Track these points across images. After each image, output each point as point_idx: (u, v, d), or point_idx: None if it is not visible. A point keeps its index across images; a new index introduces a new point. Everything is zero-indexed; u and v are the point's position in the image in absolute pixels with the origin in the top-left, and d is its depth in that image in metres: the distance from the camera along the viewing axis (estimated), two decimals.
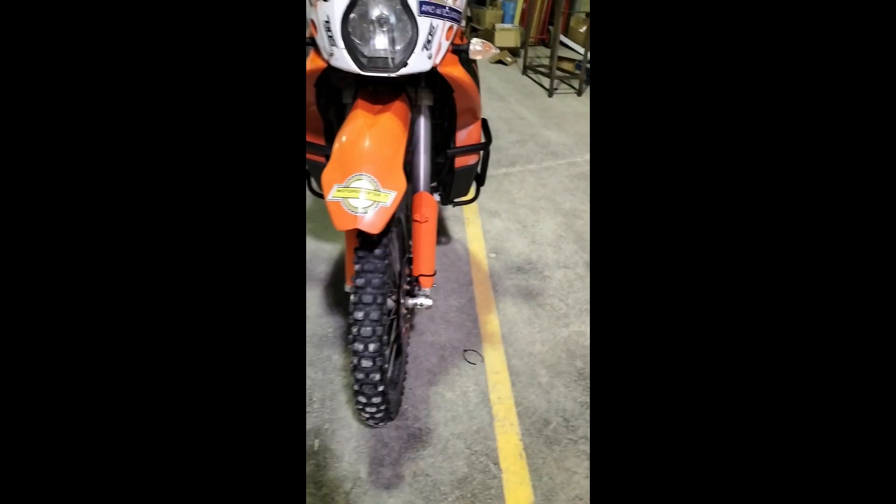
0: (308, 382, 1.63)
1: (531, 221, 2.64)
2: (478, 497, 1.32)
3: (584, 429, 1.52)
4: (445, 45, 1.10)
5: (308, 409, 1.55)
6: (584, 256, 2.38)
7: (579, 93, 4.84)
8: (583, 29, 5.79)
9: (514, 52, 5.96)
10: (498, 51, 1.25)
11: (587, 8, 5.67)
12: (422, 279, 1.40)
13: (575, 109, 4.44)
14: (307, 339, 1.80)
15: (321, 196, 1.77)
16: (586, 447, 1.47)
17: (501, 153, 3.41)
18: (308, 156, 1.48)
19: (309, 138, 1.43)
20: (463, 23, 1.23)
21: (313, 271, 2.16)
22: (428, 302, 1.40)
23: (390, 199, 1.00)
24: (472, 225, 2.56)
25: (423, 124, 1.31)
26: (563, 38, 5.72)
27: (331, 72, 1.12)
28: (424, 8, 1.02)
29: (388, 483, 1.35)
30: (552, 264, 2.31)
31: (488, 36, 6.30)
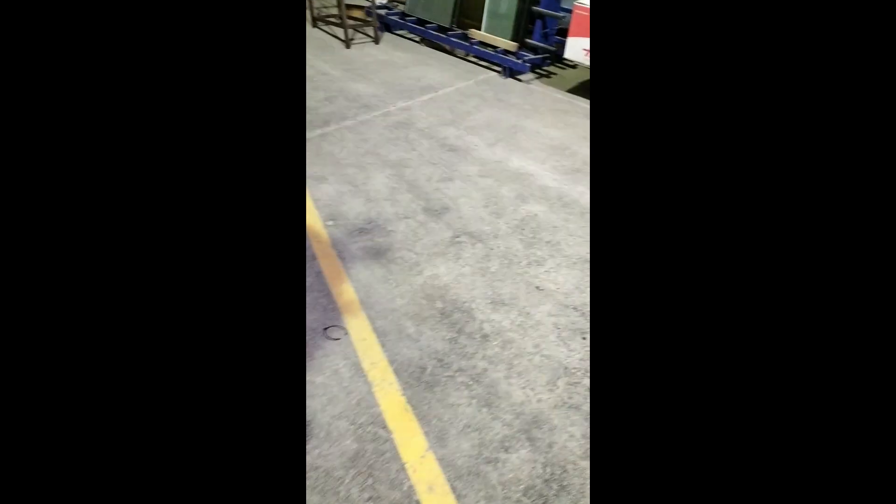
0: None
1: (361, 179, 2.54)
2: (374, 467, 1.29)
3: (457, 362, 1.60)
4: None
5: None
6: (421, 203, 2.41)
7: (376, 41, 4.72)
8: None
9: None
10: None
11: None
12: None
13: (376, 58, 4.33)
14: None
15: None
16: (463, 378, 1.55)
17: (312, 113, 3.16)
18: None
19: None
20: None
21: None
22: None
23: None
24: None
25: None
26: None
27: None
28: None
29: None
30: (393, 218, 2.28)
31: None
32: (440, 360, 1.60)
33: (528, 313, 1.82)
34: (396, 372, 1.55)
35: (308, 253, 2.00)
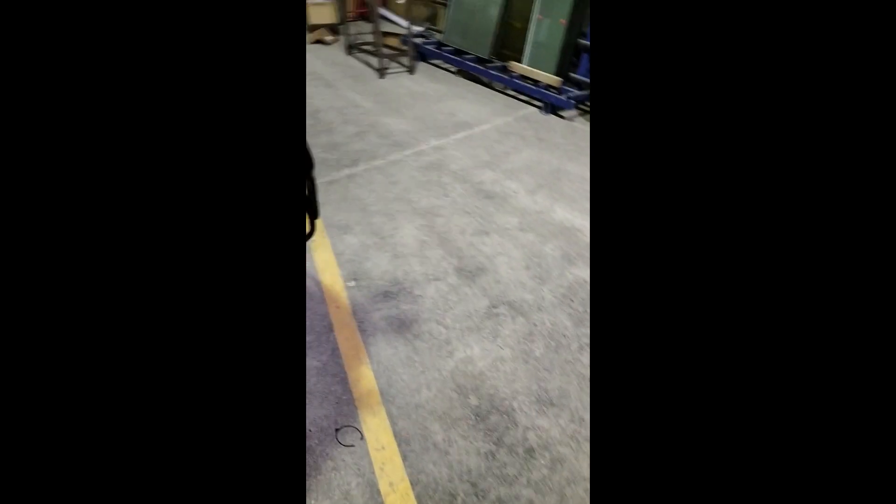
0: None
1: (388, 230, 2.30)
2: None
3: (496, 488, 1.29)
4: None
5: None
6: (453, 261, 2.13)
7: (411, 71, 4.55)
8: (402, 0, 5.47)
9: (333, 29, 5.38)
10: None
11: None
12: None
13: (410, 90, 4.15)
14: None
15: None
16: None
17: (341, 150, 2.97)
18: None
19: None
20: None
21: None
22: None
23: None
24: (321, 249, 2.12)
25: None
26: (383, 12, 5.32)
27: None
28: None
29: None
30: (421, 279, 2.01)
31: None
32: (474, 485, 1.29)
33: (582, 419, 1.50)
34: (419, 498, 1.25)
35: (324, 323, 1.74)
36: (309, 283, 1.93)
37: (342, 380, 1.55)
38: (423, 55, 4.83)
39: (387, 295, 1.91)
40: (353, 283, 1.95)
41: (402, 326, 1.78)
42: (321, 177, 2.65)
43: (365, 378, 1.56)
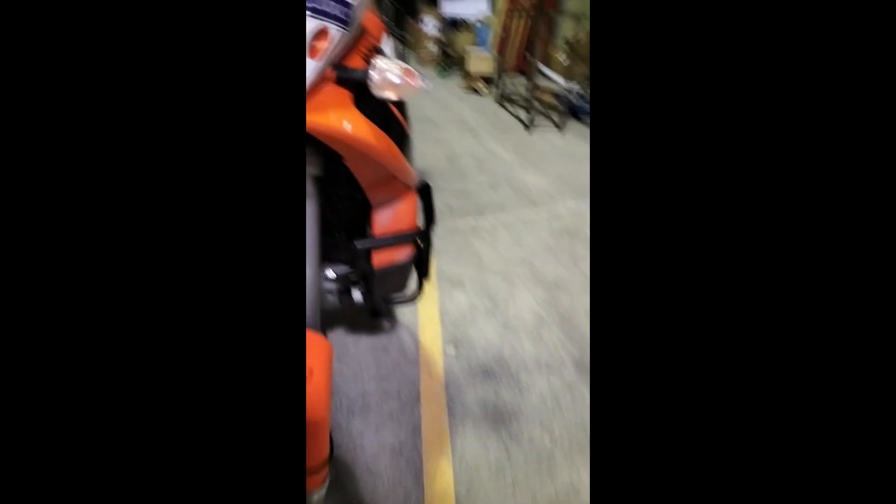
0: None
1: (503, 296, 2.05)
2: None
3: None
4: (314, 67, 0.55)
5: None
6: (574, 351, 1.79)
7: (561, 128, 4.38)
8: (563, 58, 5.40)
9: (488, 80, 5.52)
10: (424, 85, 0.67)
11: (568, 35, 5.30)
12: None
13: (556, 147, 3.95)
14: None
15: None
16: None
17: (470, 199, 2.86)
18: None
19: None
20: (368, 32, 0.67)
21: None
22: None
23: None
24: (427, 303, 1.96)
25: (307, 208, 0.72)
26: (542, 67, 5.30)
27: None
28: None
29: None
30: (531, 364, 1.71)
31: (462, 62, 5.86)
32: None
33: None
34: None
35: (412, 391, 1.54)
36: (406, 337, 1.76)
37: (416, 470, 1.30)
38: (575, 114, 4.64)
39: (487, 374, 1.65)
40: (452, 351, 1.73)
41: (498, 420, 1.48)
42: (443, 222, 2.54)
43: (443, 475, 1.30)
